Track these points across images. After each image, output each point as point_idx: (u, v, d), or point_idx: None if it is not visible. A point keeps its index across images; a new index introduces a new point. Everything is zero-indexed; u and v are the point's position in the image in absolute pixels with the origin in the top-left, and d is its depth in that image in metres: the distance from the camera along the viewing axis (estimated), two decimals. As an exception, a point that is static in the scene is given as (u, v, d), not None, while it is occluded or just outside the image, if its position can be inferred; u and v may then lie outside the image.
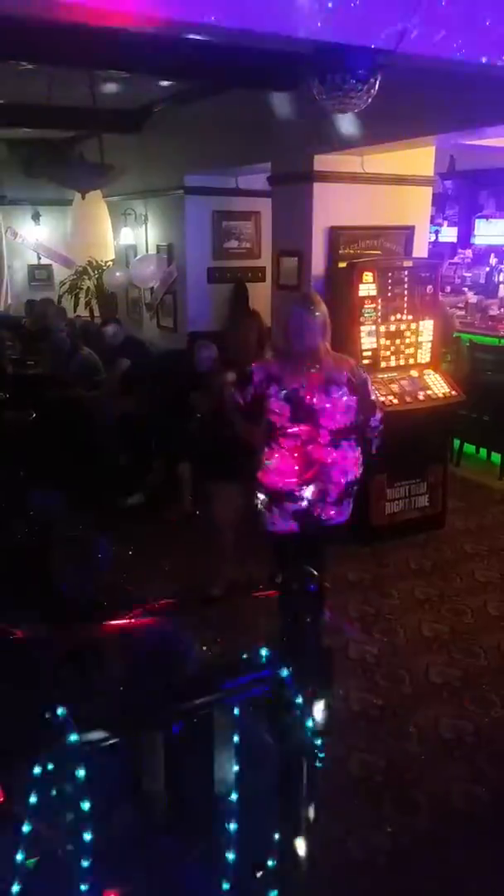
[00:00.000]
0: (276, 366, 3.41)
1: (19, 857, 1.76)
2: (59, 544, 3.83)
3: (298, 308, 3.39)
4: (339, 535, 3.65)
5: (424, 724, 3.34)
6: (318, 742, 2.18)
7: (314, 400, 3.29)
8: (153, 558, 4.77)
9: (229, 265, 7.70)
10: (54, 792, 1.77)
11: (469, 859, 2.66)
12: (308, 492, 3.35)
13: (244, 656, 2.25)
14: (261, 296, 7.18)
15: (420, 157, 5.65)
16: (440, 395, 5.16)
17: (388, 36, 2.66)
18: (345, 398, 3.32)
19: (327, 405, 3.30)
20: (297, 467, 3.34)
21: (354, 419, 3.38)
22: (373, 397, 3.49)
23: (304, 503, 3.37)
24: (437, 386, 5.19)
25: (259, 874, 1.87)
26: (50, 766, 1.74)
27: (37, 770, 1.75)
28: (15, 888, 1.76)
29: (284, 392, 3.31)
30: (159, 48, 3.86)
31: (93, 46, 4.02)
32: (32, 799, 1.76)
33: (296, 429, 3.32)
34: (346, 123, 4.53)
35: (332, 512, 3.42)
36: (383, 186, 5.57)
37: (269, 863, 1.88)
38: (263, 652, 2.15)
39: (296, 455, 3.34)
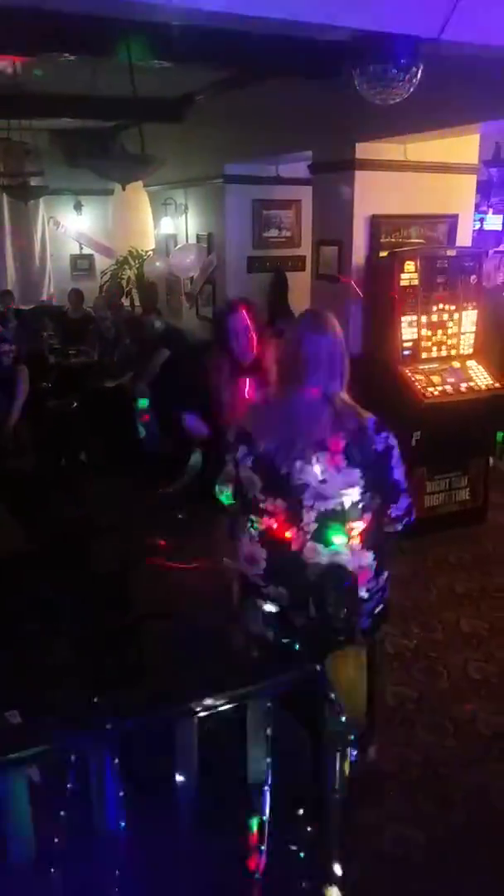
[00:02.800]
0: (251, 417, 2.50)
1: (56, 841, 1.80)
2: (100, 531, 3.90)
3: (297, 331, 2.42)
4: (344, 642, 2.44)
5: (462, 720, 3.31)
6: (352, 735, 2.19)
7: (291, 470, 2.33)
8: (189, 546, 4.81)
9: (269, 254, 7.67)
10: (90, 779, 1.81)
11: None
12: (276, 592, 2.42)
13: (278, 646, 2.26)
14: (301, 285, 7.15)
15: (465, 145, 5.55)
16: (483, 386, 5.07)
17: (431, 23, 2.62)
18: (340, 473, 2.32)
19: (310, 480, 2.32)
20: (265, 557, 2.42)
21: (360, 504, 2.37)
22: (397, 476, 2.41)
23: (274, 608, 2.44)
24: (480, 377, 5.11)
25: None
26: (86, 753, 1.77)
27: (73, 757, 1.78)
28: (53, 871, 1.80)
29: (252, 456, 2.39)
30: (201, 38, 3.84)
31: (134, 37, 4.03)
32: (69, 785, 1.80)
33: (270, 504, 2.38)
34: (389, 111, 4.47)
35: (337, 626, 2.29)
36: (427, 174, 5.48)
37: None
38: (297, 646, 2.16)
39: (267, 540, 2.41)
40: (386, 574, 2.52)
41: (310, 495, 2.32)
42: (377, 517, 2.43)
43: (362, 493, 2.36)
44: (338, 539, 2.36)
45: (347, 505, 2.35)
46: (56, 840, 1.72)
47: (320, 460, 2.31)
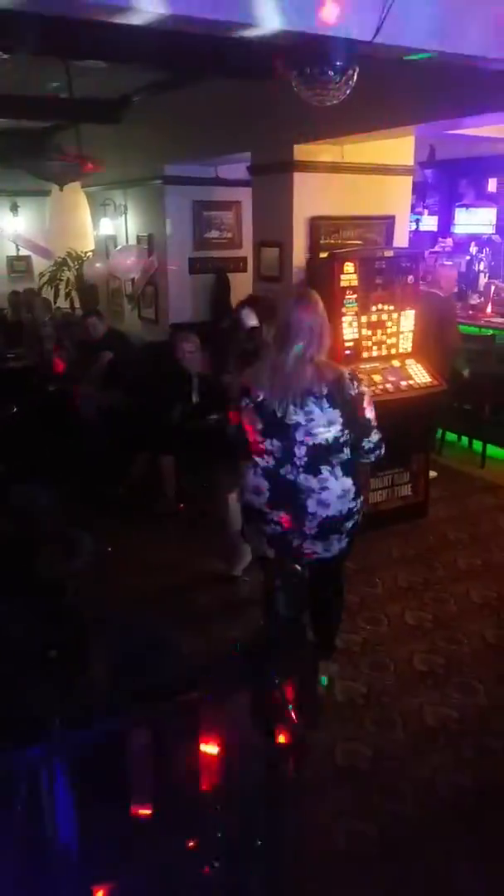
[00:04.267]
0: (252, 373, 3.11)
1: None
2: (44, 539, 3.82)
3: (289, 306, 3.07)
4: (331, 574, 3.33)
5: (409, 712, 3.37)
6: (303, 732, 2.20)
7: (285, 413, 2.94)
8: (136, 552, 4.77)
9: (210, 255, 7.68)
10: (41, 788, 1.78)
11: (454, 847, 2.69)
12: (278, 516, 3.05)
13: (228, 650, 2.26)
14: (242, 286, 7.17)
15: (400, 147, 5.66)
16: (422, 384, 5.17)
17: (365, 26, 2.66)
18: (324, 413, 2.93)
19: (301, 420, 2.94)
20: (267, 487, 3.05)
21: (340, 438, 2.99)
22: (368, 415, 3.03)
23: (278, 528, 3.07)
24: (419, 375, 5.20)
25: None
26: (35, 763, 1.74)
27: (22, 766, 1.75)
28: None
29: (252, 403, 3.01)
30: (136, 38, 3.81)
31: (69, 36, 3.98)
32: (19, 794, 1.76)
33: (268, 444, 3.01)
34: (326, 113, 4.53)
35: (317, 547, 3.09)
36: (364, 176, 5.57)
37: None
38: (247, 646, 2.17)
39: (268, 474, 3.04)
40: (361, 498, 3.16)
41: (301, 432, 2.94)
42: (354, 451, 3.05)
43: (341, 430, 2.97)
44: (323, 470, 2.97)
45: (331, 440, 2.95)
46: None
47: (308, 404, 2.91)
